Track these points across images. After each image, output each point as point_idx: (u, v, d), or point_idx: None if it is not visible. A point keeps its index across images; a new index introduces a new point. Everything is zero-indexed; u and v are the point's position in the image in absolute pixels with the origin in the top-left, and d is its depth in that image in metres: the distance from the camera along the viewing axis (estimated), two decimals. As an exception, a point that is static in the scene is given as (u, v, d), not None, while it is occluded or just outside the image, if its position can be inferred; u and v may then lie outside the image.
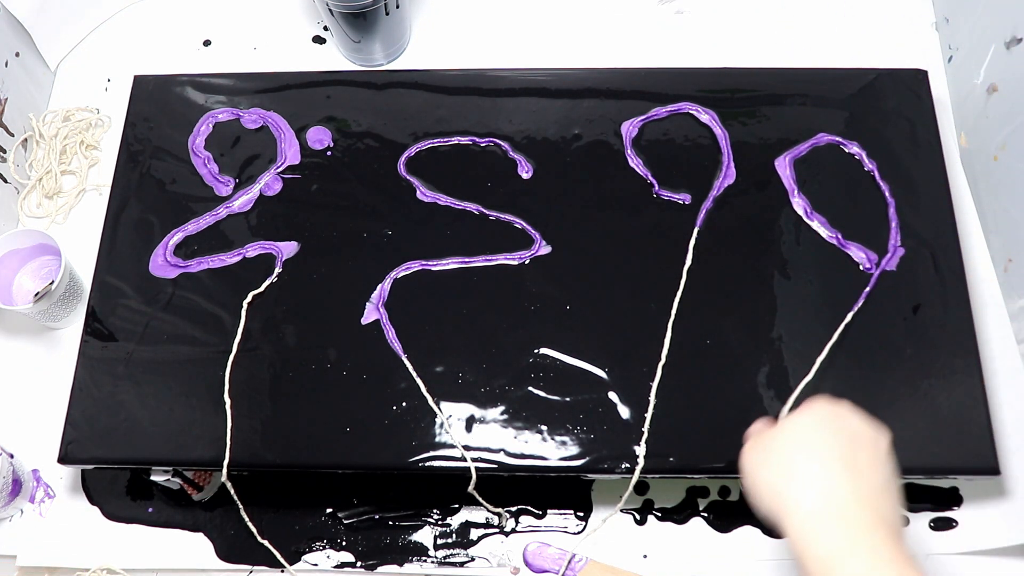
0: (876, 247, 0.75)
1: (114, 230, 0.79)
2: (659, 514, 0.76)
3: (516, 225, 0.78)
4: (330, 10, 0.88)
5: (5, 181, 0.89)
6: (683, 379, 0.71)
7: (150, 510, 0.78)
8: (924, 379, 0.70)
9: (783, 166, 0.78)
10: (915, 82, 0.81)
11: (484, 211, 0.78)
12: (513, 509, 0.76)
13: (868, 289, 0.73)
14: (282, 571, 0.76)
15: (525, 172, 0.80)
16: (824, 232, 0.76)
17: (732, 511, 0.76)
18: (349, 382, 0.72)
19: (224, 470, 0.69)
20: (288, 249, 0.77)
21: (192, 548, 0.76)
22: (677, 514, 0.76)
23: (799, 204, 0.77)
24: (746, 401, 0.70)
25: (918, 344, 0.71)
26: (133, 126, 0.83)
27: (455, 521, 0.77)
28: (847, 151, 0.79)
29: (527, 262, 0.76)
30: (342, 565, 0.76)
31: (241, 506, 0.73)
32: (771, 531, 0.75)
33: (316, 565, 0.76)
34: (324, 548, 0.76)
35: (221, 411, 0.71)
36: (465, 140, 0.82)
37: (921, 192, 0.77)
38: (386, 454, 0.70)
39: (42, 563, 0.77)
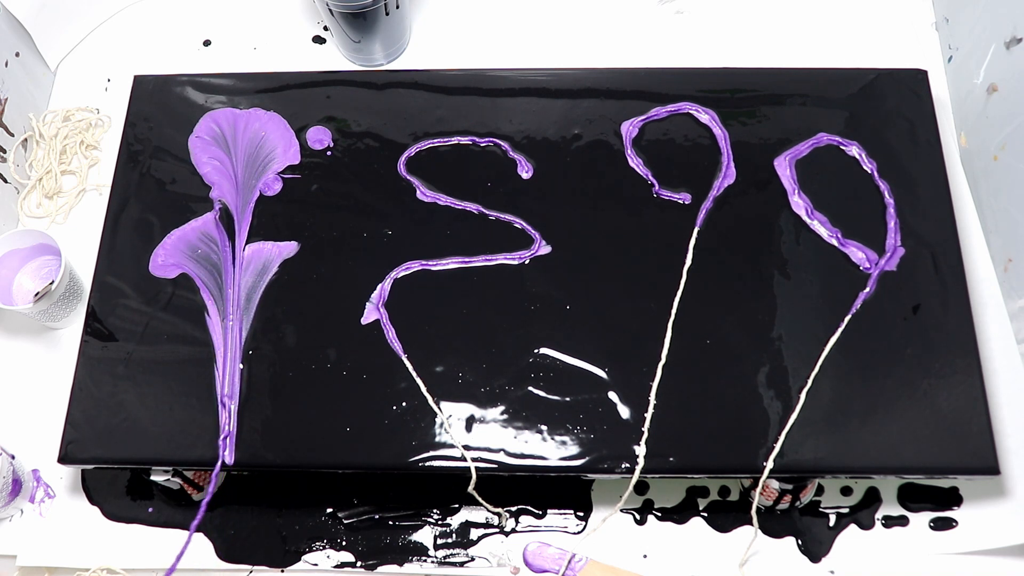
0: (876, 247, 0.75)
1: (114, 230, 0.79)
2: (659, 514, 0.76)
3: (516, 225, 0.78)
4: (330, 10, 0.88)
5: (5, 181, 0.89)
6: (683, 379, 0.71)
7: (150, 510, 0.78)
8: (924, 379, 0.70)
9: (783, 166, 0.78)
10: (915, 82, 0.81)
11: (484, 211, 0.78)
12: (513, 509, 0.76)
13: (868, 289, 0.73)
14: (282, 571, 0.76)
15: (525, 172, 0.80)
16: (824, 232, 0.76)
17: (732, 511, 0.76)
18: (349, 382, 0.72)
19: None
20: (288, 249, 0.77)
21: (192, 548, 0.76)
22: (677, 514, 0.76)
23: (799, 204, 0.77)
24: (746, 401, 0.70)
25: (918, 344, 0.71)
26: (133, 126, 0.83)
27: (455, 521, 0.77)
28: (847, 151, 0.79)
29: (527, 262, 0.76)
30: (342, 565, 0.76)
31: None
32: (771, 531, 0.75)
33: (316, 565, 0.76)
34: (324, 548, 0.76)
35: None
36: (465, 140, 0.82)
37: (921, 192, 0.77)
38: (386, 454, 0.70)
39: (42, 563, 0.77)
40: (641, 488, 0.77)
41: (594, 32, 0.96)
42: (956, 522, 0.75)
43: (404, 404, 0.71)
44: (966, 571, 0.73)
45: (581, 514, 0.76)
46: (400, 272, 0.76)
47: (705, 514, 0.76)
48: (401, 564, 0.75)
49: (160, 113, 0.84)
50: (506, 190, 0.79)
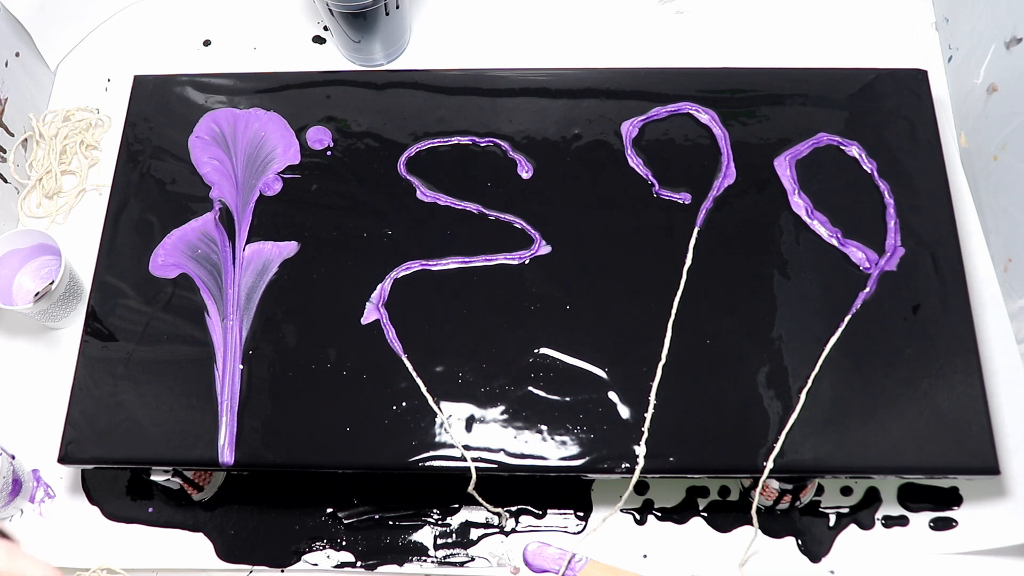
0: (876, 247, 0.75)
1: (114, 230, 0.79)
2: (659, 514, 0.76)
3: (516, 225, 0.78)
4: (330, 10, 0.88)
5: (5, 181, 0.89)
6: (683, 379, 0.71)
7: (150, 510, 0.78)
8: (924, 379, 0.70)
9: (783, 166, 0.78)
10: (915, 82, 0.81)
11: (484, 211, 0.78)
12: (513, 509, 0.76)
13: (868, 289, 0.73)
14: (282, 571, 0.76)
15: (525, 172, 0.80)
16: (824, 232, 0.76)
17: (732, 511, 0.76)
18: (349, 382, 0.72)
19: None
20: (288, 249, 0.77)
21: (192, 548, 0.76)
22: (677, 514, 0.76)
23: (799, 204, 0.77)
24: (746, 401, 0.70)
25: (918, 344, 0.71)
26: (133, 126, 0.83)
27: (455, 521, 0.77)
28: (847, 151, 0.79)
29: (527, 262, 0.76)
30: (342, 565, 0.76)
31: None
32: (771, 531, 0.75)
33: (316, 565, 0.76)
34: (324, 548, 0.76)
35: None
36: (465, 140, 0.82)
37: (921, 192, 0.77)
38: (386, 454, 0.70)
39: (42, 563, 0.77)
40: (641, 488, 0.77)
41: (594, 32, 0.96)
42: (956, 522, 0.75)
43: (404, 404, 0.71)
44: (966, 571, 0.73)
45: (581, 514, 0.76)
46: (400, 272, 0.76)
47: (705, 514, 0.76)
48: (401, 564, 0.75)
49: (160, 113, 0.84)
50: (506, 190, 0.79)
